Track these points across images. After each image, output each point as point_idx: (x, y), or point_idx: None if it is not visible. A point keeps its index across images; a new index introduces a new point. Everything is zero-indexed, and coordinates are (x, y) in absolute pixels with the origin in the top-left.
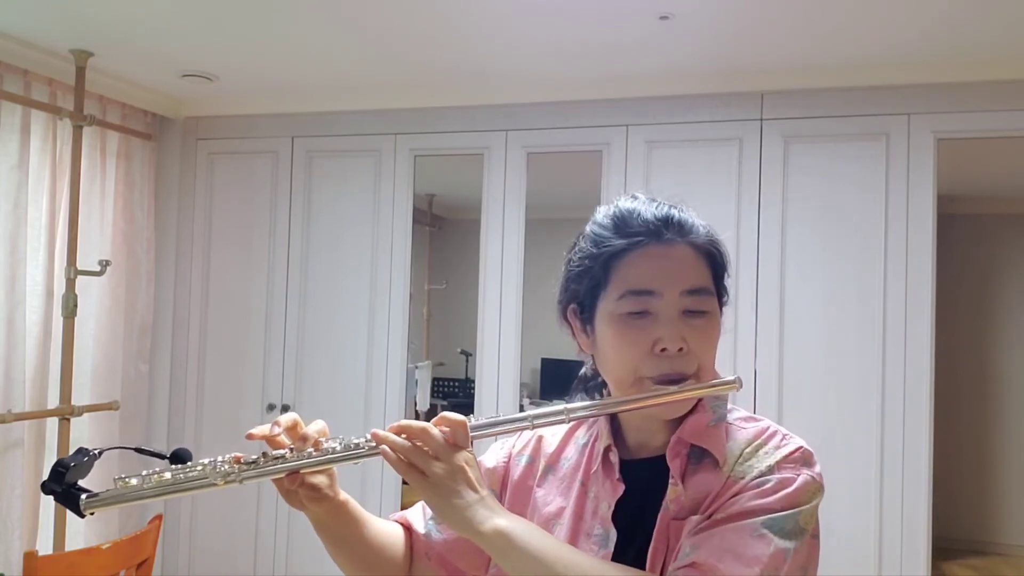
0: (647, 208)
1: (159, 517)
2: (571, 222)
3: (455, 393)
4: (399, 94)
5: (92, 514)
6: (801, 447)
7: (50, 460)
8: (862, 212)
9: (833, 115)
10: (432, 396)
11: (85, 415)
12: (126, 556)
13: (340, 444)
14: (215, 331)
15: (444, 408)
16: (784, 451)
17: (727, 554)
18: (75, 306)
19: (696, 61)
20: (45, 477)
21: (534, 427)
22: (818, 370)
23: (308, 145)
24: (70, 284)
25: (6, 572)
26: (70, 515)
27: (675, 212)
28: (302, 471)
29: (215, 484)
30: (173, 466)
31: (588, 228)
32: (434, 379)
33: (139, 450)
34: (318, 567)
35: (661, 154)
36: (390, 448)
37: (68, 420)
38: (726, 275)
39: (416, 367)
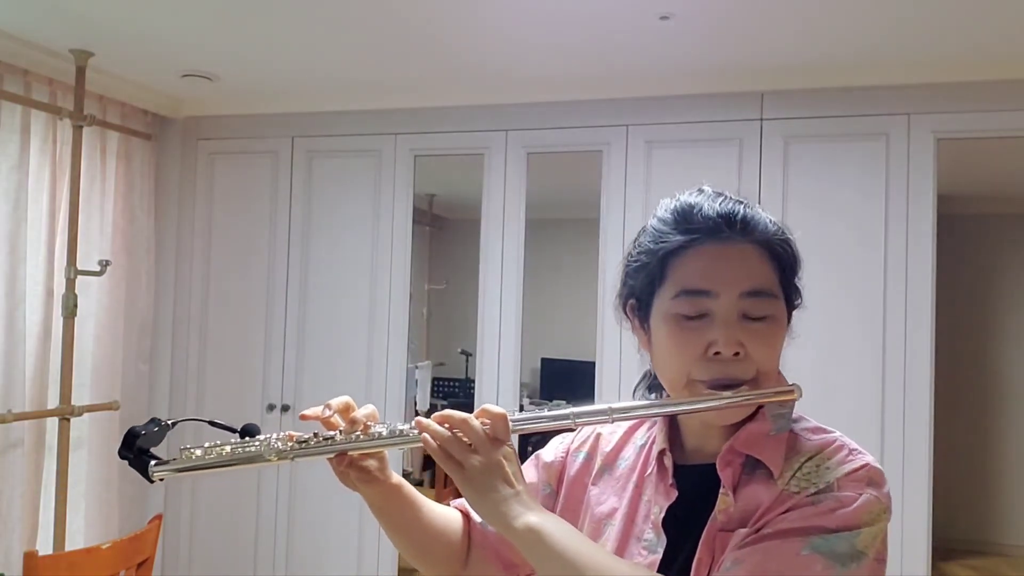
0: (710, 203)
1: (159, 517)
2: (571, 222)
3: (455, 393)
4: (399, 94)
5: (161, 480)
6: (868, 464)
7: (50, 460)
8: (862, 212)
9: (833, 115)
10: (432, 396)
11: (85, 415)
12: (126, 556)
13: (387, 430)
14: (215, 331)
15: (444, 408)
16: (848, 467)
17: (769, 571)
18: (75, 306)
19: (696, 61)
20: (46, 477)
21: (576, 425)
22: (818, 370)
23: (308, 145)
24: (70, 284)
25: (6, 572)
26: (70, 515)
27: (740, 208)
28: (350, 453)
29: (269, 460)
30: (233, 440)
31: (649, 222)
32: (434, 379)
33: (212, 423)
34: (318, 567)
35: (661, 154)
36: (431, 437)
37: (68, 420)
38: (798, 277)
39: (416, 367)
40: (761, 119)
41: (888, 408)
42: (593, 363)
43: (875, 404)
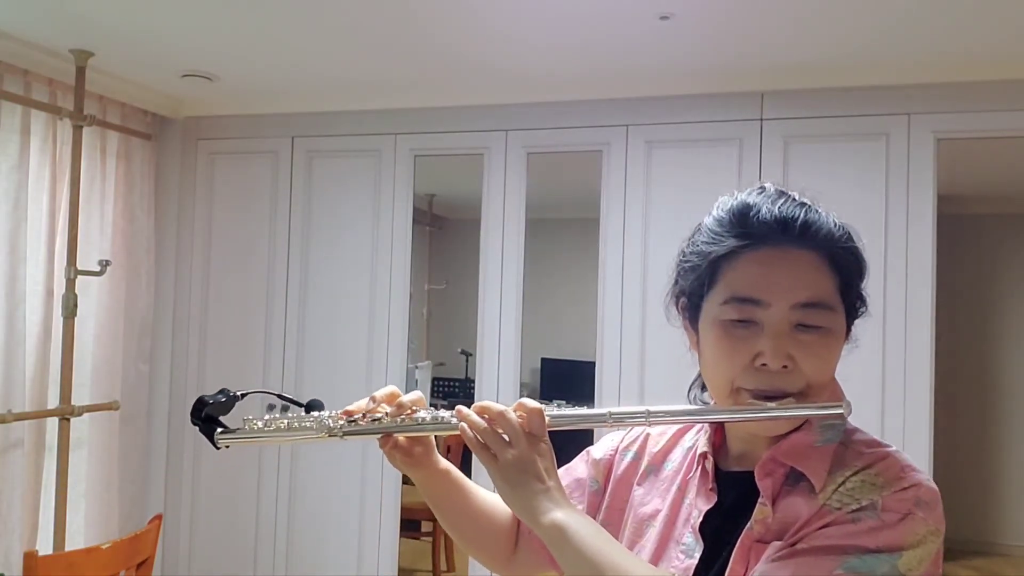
0: (769, 205)
1: (159, 517)
2: (571, 222)
3: (455, 393)
4: (399, 94)
5: (227, 447)
6: (919, 484)
7: (50, 460)
8: (862, 212)
9: (833, 115)
10: (432, 396)
11: (85, 415)
12: (126, 556)
13: (430, 416)
14: (215, 331)
15: (444, 408)
16: (897, 485)
17: None
18: (75, 306)
19: (696, 61)
20: (46, 477)
21: (612, 425)
22: None
23: (308, 145)
24: (70, 284)
25: (6, 572)
26: (70, 515)
27: (801, 212)
28: (395, 435)
29: (320, 436)
30: (291, 415)
31: (705, 220)
32: (434, 379)
33: (280, 396)
34: (318, 567)
35: (661, 154)
36: (468, 427)
37: (68, 420)
38: (862, 284)
39: (416, 367)
40: (761, 119)
41: (888, 408)
42: (593, 363)
43: (875, 404)
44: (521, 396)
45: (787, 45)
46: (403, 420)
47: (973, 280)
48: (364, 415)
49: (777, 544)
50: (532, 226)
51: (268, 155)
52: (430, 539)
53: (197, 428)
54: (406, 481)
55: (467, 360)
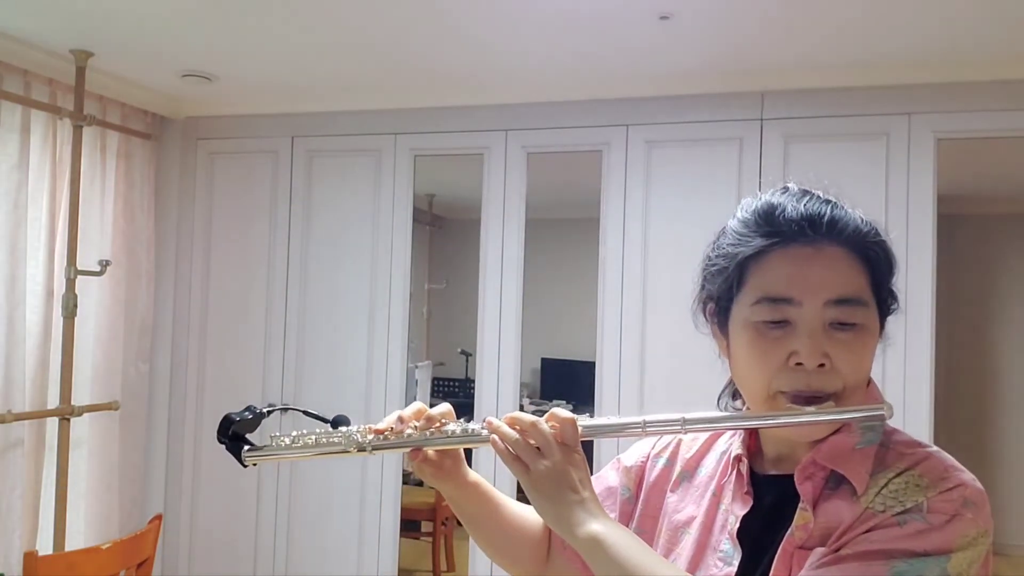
0: (794, 204)
1: (159, 517)
2: (571, 222)
3: (455, 393)
4: (399, 94)
5: (255, 465)
6: (964, 483)
7: (50, 460)
8: (862, 212)
9: (833, 115)
10: (432, 396)
11: (85, 415)
12: (126, 556)
13: (459, 428)
14: (215, 331)
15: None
16: (943, 485)
17: None
18: (75, 306)
19: (696, 61)
20: (46, 477)
21: (646, 433)
22: None
23: (308, 145)
24: (70, 284)
25: (6, 572)
26: (70, 515)
27: (827, 209)
28: (424, 448)
29: (348, 452)
30: (317, 431)
31: (730, 223)
32: (434, 379)
33: (305, 412)
34: (318, 567)
35: (661, 154)
36: (500, 439)
37: (68, 420)
38: (892, 280)
39: (416, 367)
40: (761, 119)
41: None
42: (593, 363)
43: None
44: (521, 396)
45: (787, 45)
46: (432, 433)
47: (973, 280)
48: (392, 429)
49: (820, 550)
50: (532, 226)
51: (268, 155)
52: (430, 539)
53: (224, 446)
54: (406, 481)
55: (467, 360)
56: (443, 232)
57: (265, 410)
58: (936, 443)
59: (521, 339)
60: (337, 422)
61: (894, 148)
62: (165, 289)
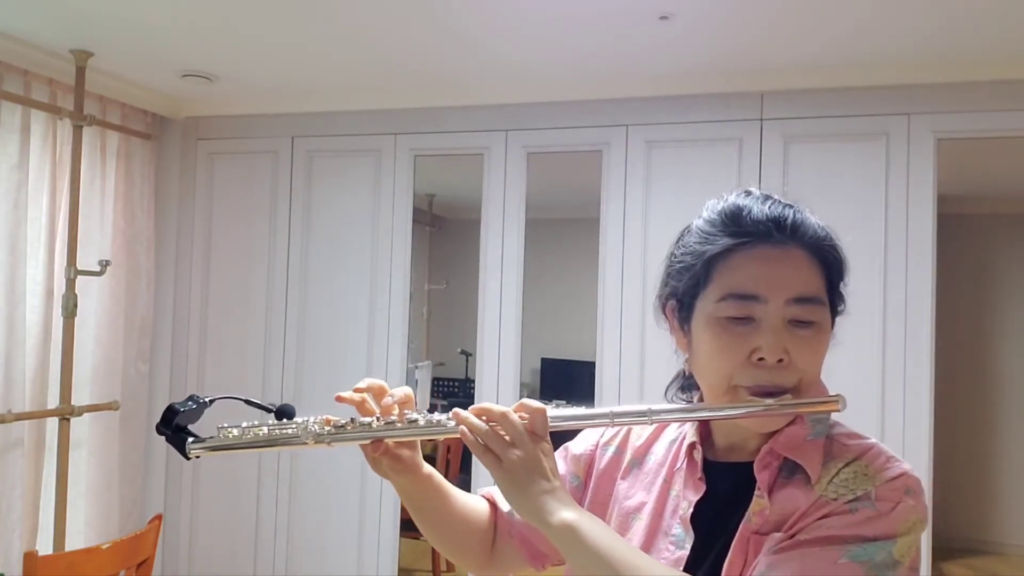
0: (759, 206)
1: (159, 517)
2: (571, 222)
3: (455, 393)
4: (399, 94)
5: (198, 457)
6: (906, 472)
7: (50, 460)
8: (862, 212)
9: (833, 115)
10: (432, 396)
11: (85, 415)
12: (126, 556)
13: (423, 419)
14: (215, 331)
15: (444, 408)
16: (886, 475)
17: None
18: (75, 306)
19: (696, 61)
20: (46, 477)
21: (614, 424)
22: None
23: (308, 145)
24: (70, 284)
25: (6, 572)
26: (70, 515)
27: (789, 212)
28: (386, 440)
29: (306, 443)
30: (270, 422)
31: (695, 223)
32: (434, 379)
33: (248, 401)
34: (318, 567)
35: (661, 154)
36: (469, 430)
37: (68, 420)
38: (843, 283)
39: (416, 367)
40: (761, 119)
41: (888, 408)
42: (593, 363)
43: (875, 404)
44: (521, 396)
45: (787, 45)
46: (394, 424)
47: (973, 280)
48: (352, 420)
49: (777, 536)
50: (532, 226)
51: (268, 155)
52: None
53: (164, 438)
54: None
55: (467, 360)
56: (443, 232)
57: (208, 399)
58: (936, 443)
59: (521, 339)
60: (282, 412)
61: (894, 148)
62: (165, 289)
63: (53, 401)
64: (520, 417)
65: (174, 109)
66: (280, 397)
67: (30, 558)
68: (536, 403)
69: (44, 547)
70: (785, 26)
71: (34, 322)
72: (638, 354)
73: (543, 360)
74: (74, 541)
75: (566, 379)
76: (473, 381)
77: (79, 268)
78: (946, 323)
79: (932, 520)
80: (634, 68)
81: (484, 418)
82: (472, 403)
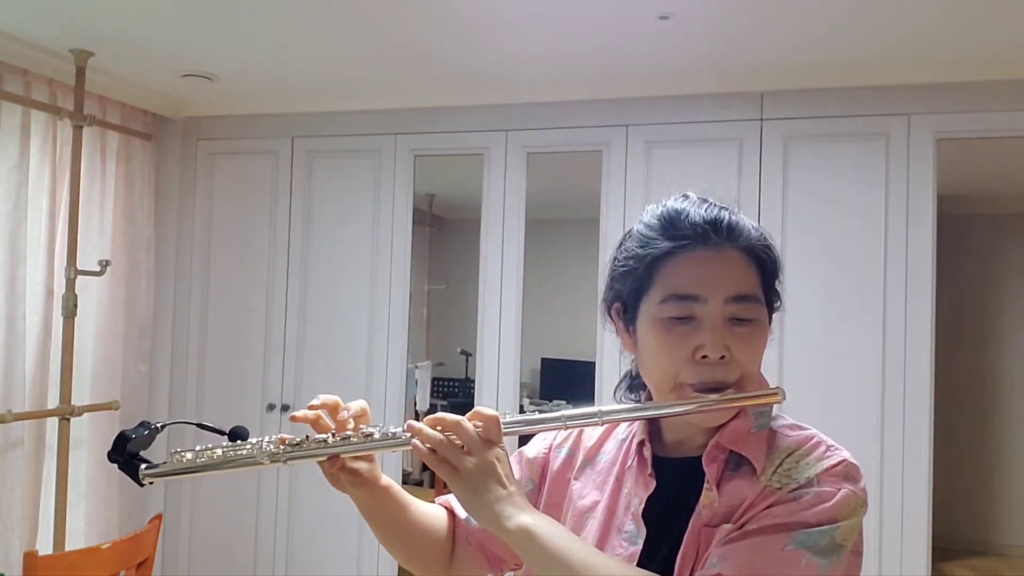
0: (696, 209)
1: (159, 517)
2: (571, 222)
3: (455, 393)
4: (399, 94)
5: (151, 483)
6: (845, 460)
7: (50, 460)
8: (862, 212)
9: (833, 115)
10: (432, 396)
11: (85, 415)
12: (126, 556)
13: (379, 432)
14: (215, 331)
15: (444, 408)
16: (826, 463)
17: (756, 567)
18: (75, 306)
19: (696, 61)
20: (46, 477)
21: (567, 427)
22: (818, 370)
23: (308, 145)
24: (70, 284)
25: (6, 572)
26: (70, 515)
27: (725, 215)
28: (342, 456)
29: (261, 463)
30: (224, 444)
31: (635, 227)
32: (434, 379)
33: (200, 425)
34: (318, 567)
35: (661, 154)
36: (423, 441)
37: (68, 420)
38: (778, 281)
39: (416, 367)
40: (761, 119)
41: (888, 408)
42: (593, 363)
43: (875, 404)
44: (521, 396)
45: (787, 45)
46: (349, 438)
47: (973, 280)
48: (307, 437)
49: (727, 527)
50: (532, 226)
51: (268, 155)
52: None
53: (117, 465)
54: (406, 481)
55: (467, 360)
56: (443, 232)
57: (159, 425)
58: (936, 443)
59: (521, 339)
60: (235, 434)
61: (894, 148)
62: (165, 289)
63: (53, 401)
64: (475, 425)
65: (174, 109)
66: (280, 397)
67: (30, 558)
68: (489, 411)
69: (44, 547)
70: (785, 26)
71: (34, 322)
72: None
73: (543, 360)
74: (74, 541)
75: (566, 379)
76: (473, 381)
77: (79, 268)
78: (946, 323)
79: (932, 521)
80: (634, 68)
81: (439, 428)
82: (472, 403)
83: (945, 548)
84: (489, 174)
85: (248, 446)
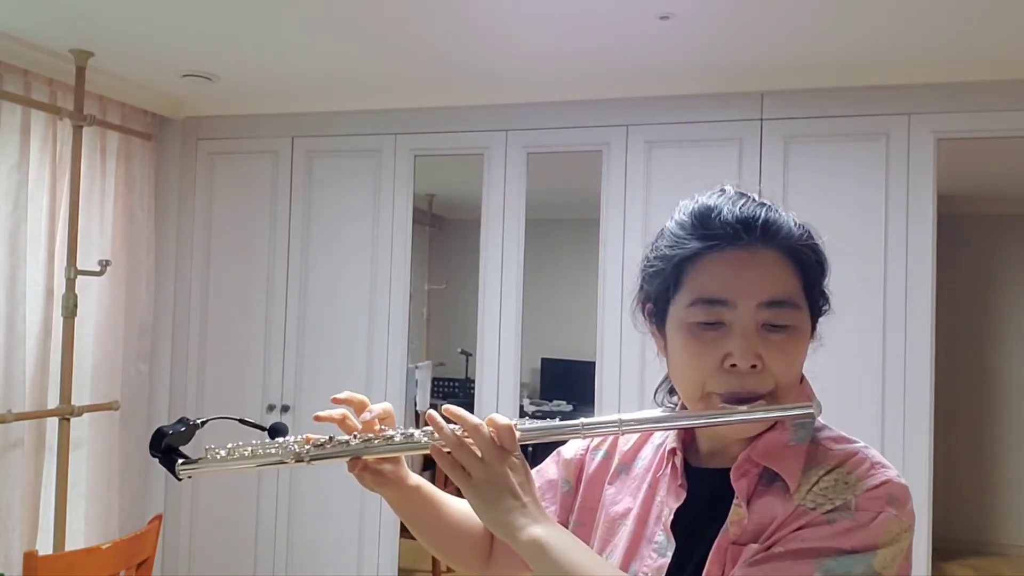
0: (730, 206)
1: (159, 517)
2: (571, 222)
3: (455, 393)
4: (399, 94)
5: (189, 477)
6: (889, 480)
7: (50, 460)
8: (862, 212)
9: (833, 115)
10: (432, 396)
11: (85, 415)
12: (126, 556)
13: (399, 435)
14: (215, 331)
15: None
16: (868, 483)
17: None
18: (75, 306)
19: (696, 61)
20: (46, 477)
21: (584, 436)
22: (818, 370)
23: (308, 145)
24: (70, 284)
25: (6, 572)
26: (70, 515)
27: (761, 212)
28: (364, 457)
29: (285, 462)
30: (254, 441)
31: (667, 225)
32: (434, 379)
33: (242, 421)
34: (318, 567)
35: (661, 154)
36: (441, 440)
37: (68, 420)
38: (824, 281)
39: (416, 367)
40: (761, 119)
41: (888, 408)
42: (593, 363)
43: (875, 404)
44: (521, 396)
45: (787, 45)
46: (371, 440)
47: (973, 280)
48: (331, 438)
49: (753, 547)
50: (532, 226)
51: (268, 155)
52: None
53: (157, 460)
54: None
55: (467, 360)
56: (443, 232)
57: (199, 421)
58: (936, 443)
59: (521, 339)
60: (275, 430)
61: (894, 148)
62: (165, 289)
63: (53, 401)
64: (490, 431)
65: (174, 109)
66: (280, 397)
67: (30, 558)
68: (504, 419)
69: (44, 547)
70: (785, 26)
71: (34, 322)
72: (638, 354)
73: (543, 360)
74: (74, 541)
75: (566, 379)
76: (473, 381)
77: (79, 268)
78: (946, 323)
79: (932, 521)
80: (634, 68)
81: (458, 425)
82: (472, 403)
83: (945, 548)
84: (489, 174)
85: (275, 446)
